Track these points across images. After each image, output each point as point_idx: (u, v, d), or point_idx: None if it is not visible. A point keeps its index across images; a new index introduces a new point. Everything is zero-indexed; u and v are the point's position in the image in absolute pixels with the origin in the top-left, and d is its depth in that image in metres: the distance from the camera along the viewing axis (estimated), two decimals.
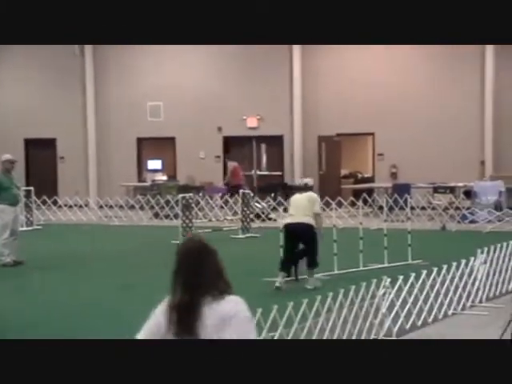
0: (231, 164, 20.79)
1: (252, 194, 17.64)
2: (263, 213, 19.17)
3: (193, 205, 15.92)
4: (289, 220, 10.32)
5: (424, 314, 8.01)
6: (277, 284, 9.89)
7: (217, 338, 3.25)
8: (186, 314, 3.28)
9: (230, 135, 23.59)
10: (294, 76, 22.63)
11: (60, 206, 20.92)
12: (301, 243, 10.27)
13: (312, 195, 10.50)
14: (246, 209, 16.49)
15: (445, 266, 8.52)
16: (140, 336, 3.50)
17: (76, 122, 24.67)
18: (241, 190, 17.25)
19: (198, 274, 3.31)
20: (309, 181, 11.11)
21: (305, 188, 11.02)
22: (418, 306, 7.95)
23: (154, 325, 3.43)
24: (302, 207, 10.19)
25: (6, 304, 9.58)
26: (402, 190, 18.73)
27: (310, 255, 10.13)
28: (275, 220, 18.14)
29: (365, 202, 18.92)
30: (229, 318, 3.27)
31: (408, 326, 7.72)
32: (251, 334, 3.32)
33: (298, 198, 10.40)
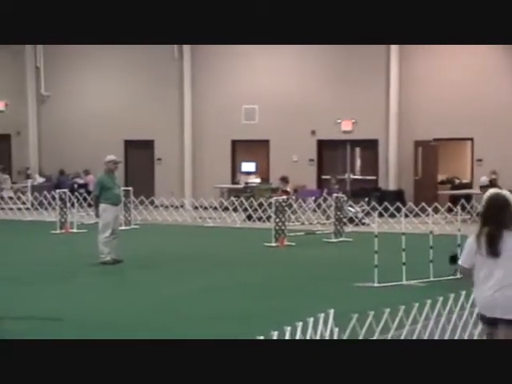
0: None
1: (345, 198, 17.50)
2: (356, 217, 18.98)
3: (286, 208, 15.95)
4: None
5: None
6: None
7: None
8: (493, 238, 5.15)
9: (323, 138, 23.51)
10: (391, 78, 22.29)
11: (156, 207, 21.44)
12: None
13: None
14: (339, 213, 16.37)
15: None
16: (461, 260, 5.38)
17: (173, 125, 25.25)
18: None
19: (502, 214, 5.20)
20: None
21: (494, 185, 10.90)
22: None
23: (470, 250, 5.27)
24: None
25: (105, 301, 9.89)
26: None
27: None
28: (368, 225, 17.92)
29: (463, 208, 18.39)
30: None
31: None
32: None
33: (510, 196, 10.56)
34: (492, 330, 5.16)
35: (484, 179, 11.01)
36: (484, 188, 10.76)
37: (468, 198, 19.99)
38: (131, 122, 25.61)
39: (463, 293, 7.04)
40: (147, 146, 25.74)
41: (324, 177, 23.55)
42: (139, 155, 26.09)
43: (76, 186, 24.46)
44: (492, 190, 5.44)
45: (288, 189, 20.42)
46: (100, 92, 26.26)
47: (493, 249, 5.12)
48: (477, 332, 7.12)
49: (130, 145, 26.09)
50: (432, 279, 10.73)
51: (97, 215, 12.92)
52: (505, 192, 10.46)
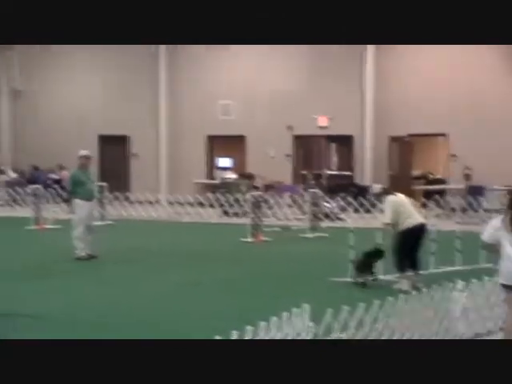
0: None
1: (321, 194, 17.56)
2: (332, 212, 19.05)
3: (262, 203, 15.96)
4: (419, 220, 10.17)
5: (498, 319, 7.77)
6: (406, 288, 9.52)
7: None
8: None
9: (300, 134, 23.56)
10: (367, 75, 22.41)
11: (132, 202, 21.33)
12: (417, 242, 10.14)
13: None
14: (314, 208, 16.42)
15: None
16: (484, 236, 6.44)
17: (149, 120, 25.13)
18: None
19: None
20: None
21: (387, 192, 10.61)
22: (492, 311, 7.73)
23: (493, 228, 6.37)
24: (412, 208, 10.29)
25: (80, 296, 9.82)
26: (476, 192, 18.30)
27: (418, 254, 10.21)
28: (344, 220, 18.00)
29: (437, 203, 18.57)
30: None
31: (482, 331, 7.52)
32: None
33: (406, 200, 10.33)
34: None
35: (377, 187, 10.85)
36: (378, 195, 10.54)
37: (442, 193, 20.19)
38: (106, 117, 25.46)
39: (436, 286, 7.11)
40: (122, 141, 25.59)
41: (301, 172, 23.63)
42: (114, 150, 25.94)
43: (50, 181, 24.24)
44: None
45: (256, 184, 20.66)
46: (75, 87, 26.04)
47: None
48: (450, 326, 7.19)
49: (104, 140, 25.91)
50: (408, 274, 10.77)
51: (71, 211, 12.84)
52: (400, 195, 10.38)
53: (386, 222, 10.16)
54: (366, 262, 10.29)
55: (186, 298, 9.63)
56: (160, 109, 24.95)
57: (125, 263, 12.47)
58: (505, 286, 6.38)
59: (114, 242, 14.78)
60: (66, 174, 22.33)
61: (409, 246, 10.05)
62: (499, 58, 21.01)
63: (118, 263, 12.44)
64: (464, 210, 17.56)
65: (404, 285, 9.84)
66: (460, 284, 7.46)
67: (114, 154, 25.94)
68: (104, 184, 19.41)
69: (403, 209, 10.16)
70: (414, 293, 6.86)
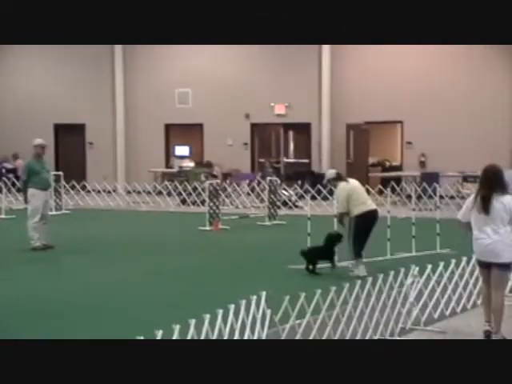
0: None
1: (279, 182, 17.62)
2: (290, 200, 19.15)
3: (220, 191, 15.95)
4: (371, 207, 10.21)
5: (452, 303, 7.95)
6: (363, 274, 9.59)
7: (500, 216, 6.62)
8: (485, 199, 6.63)
9: (257, 122, 23.58)
10: (323, 63, 22.50)
11: (88, 191, 21.11)
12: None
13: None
14: (272, 196, 16.48)
15: (474, 256, 8.41)
16: (460, 215, 6.95)
17: (105, 108, 24.84)
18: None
19: (493, 181, 6.65)
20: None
21: (341, 178, 10.68)
22: (446, 296, 7.90)
23: (467, 208, 6.82)
24: (365, 194, 10.38)
25: (35, 287, 9.71)
26: (431, 178, 18.58)
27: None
28: (302, 208, 18.11)
29: (393, 190, 18.79)
30: (507, 206, 6.63)
31: (436, 316, 7.68)
32: None
33: (358, 186, 10.37)
34: (487, 271, 6.78)
35: (331, 172, 10.89)
36: (332, 181, 10.63)
37: (398, 180, 20.44)
38: (61, 105, 25.09)
39: (391, 272, 7.22)
40: (78, 130, 25.26)
41: (259, 160, 23.67)
42: (70, 139, 25.60)
43: (4, 170, 23.83)
44: (489, 165, 6.74)
45: (214, 172, 20.64)
46: (29, 75, 25.58)
47: (485, 208, 6.60)
48: (405, 311, 7.33)
49: (60, 129, 25.54)
50: (363, 260, 10.91)
51: (25, 201, 12.66)
52: (352, 181, 10.52)
53: (340, 211, 10.23)
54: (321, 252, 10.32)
55: (144, 287, 9.60)
56: (116, 97, 24.68)
57: (82, 253, 12.34)
58: (477, 262, 7.00)
59: (71, 232, 14.62)
60: (20, 163, 21.97)
61: (363, 231, 10.16)
62: (454, 47, 21.30)
63: (74, 253, 12.31)
64: (419, 197, 17.81)
65: (361, 271, 9.96)
66: (415, 270, 7.59)
67: (70, 143, 25.60)
68: (60, 173, 19.17)
69: (356, 195, 10.22)
70: (370, 278, 6.96)
